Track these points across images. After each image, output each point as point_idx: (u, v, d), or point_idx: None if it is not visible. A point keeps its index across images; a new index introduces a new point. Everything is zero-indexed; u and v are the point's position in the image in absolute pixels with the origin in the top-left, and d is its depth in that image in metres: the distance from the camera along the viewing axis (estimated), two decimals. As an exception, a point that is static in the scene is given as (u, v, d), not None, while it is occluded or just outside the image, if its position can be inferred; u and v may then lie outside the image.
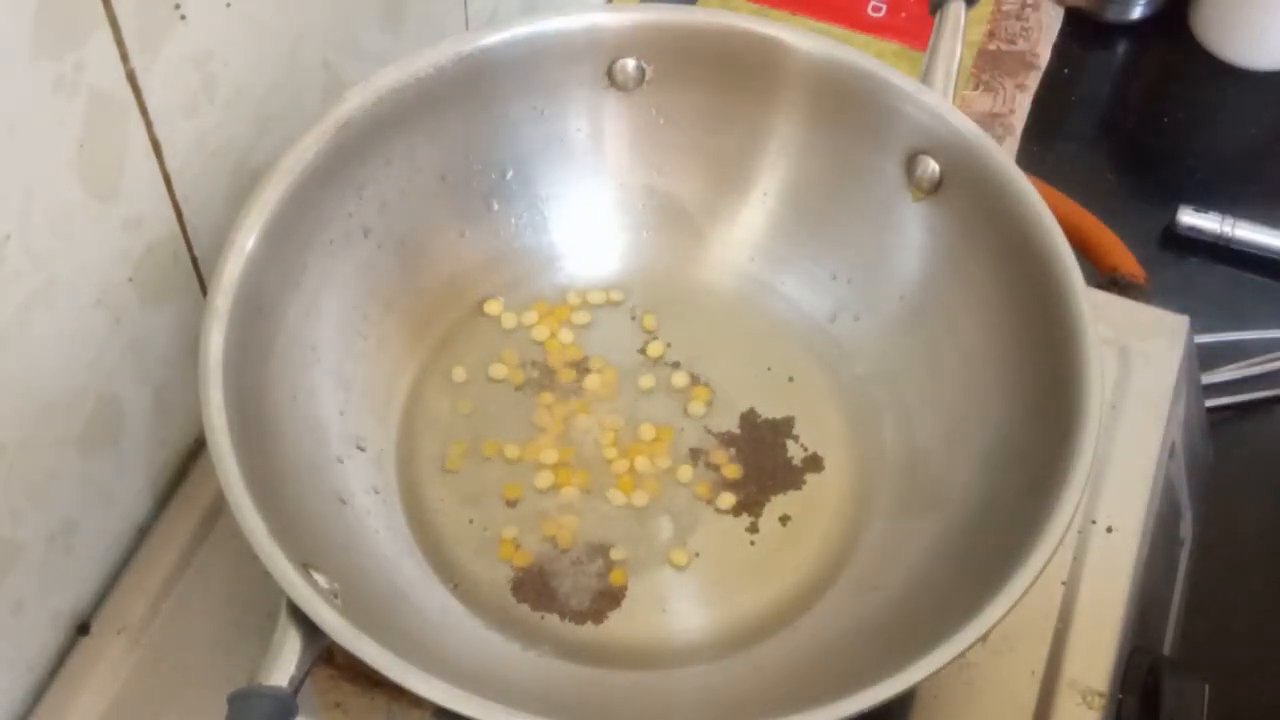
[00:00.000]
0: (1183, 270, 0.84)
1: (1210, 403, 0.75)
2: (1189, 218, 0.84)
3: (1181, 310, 0.66)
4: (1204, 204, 0.85)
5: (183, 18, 0.48)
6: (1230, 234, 0.84)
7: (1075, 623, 0.55)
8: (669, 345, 0.60)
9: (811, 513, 0.55)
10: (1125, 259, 0.76)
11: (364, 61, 0.61)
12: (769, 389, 0.59)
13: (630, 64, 0.59)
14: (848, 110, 0.58)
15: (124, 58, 0.46)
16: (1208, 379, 0.76)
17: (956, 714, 0.52)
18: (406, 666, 0.41)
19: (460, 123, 0.58)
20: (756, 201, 0.61)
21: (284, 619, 0.43)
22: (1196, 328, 0.65)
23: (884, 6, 0.88)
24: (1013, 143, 0.83)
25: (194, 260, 0.55)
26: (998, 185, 0.53)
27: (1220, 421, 0.76)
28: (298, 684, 0.42)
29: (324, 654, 0.43)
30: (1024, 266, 0.52)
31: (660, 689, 0.51)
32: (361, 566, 0.50)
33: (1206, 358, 0.77)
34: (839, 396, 0.58)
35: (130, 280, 0.51)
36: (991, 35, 0.88)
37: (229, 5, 0.51)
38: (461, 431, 0.57)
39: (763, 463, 0.57)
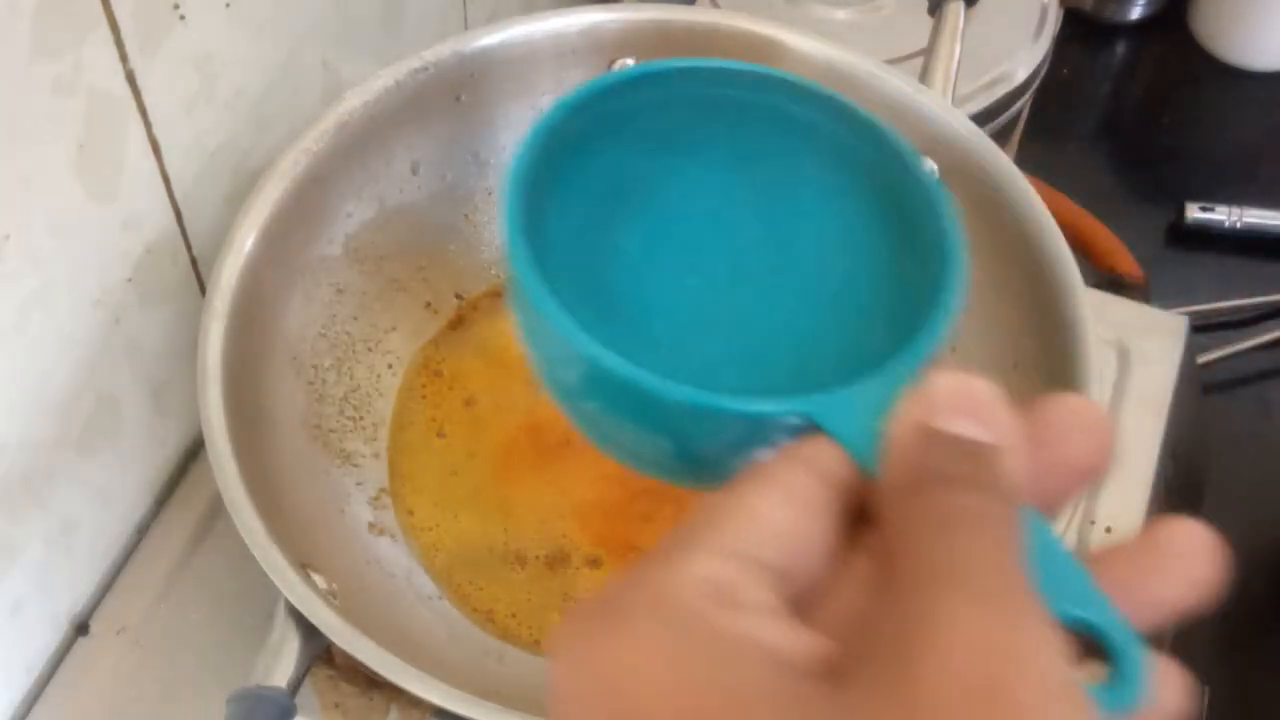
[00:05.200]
0: (1183, 270, 0.84)
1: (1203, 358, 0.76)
2: (1196, 213, 0.85)
3: (1181, 311, 0.66)
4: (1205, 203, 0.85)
5: (182, 18, 0.48)
6: (1236, 227, 0.84)
7: (1075, 623, 0.55)
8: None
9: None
10: (1124, 259, 0.76)
11: (364, 61, 0.61)
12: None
13: (630, 64, 0.59)
14: (847, 110, 0.57)
15: (123, 58, 0.46)
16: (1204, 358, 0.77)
17: (956, 714, 0.52)
18: (405, 667, 0.41)
19: (460, 123, 0.58)
20: (756, 201, 0.61)
21: (282, 619, 0.43)
22: (1196, 322, 0.66)
23: None
24: (1012, 143, 0.83)
25: (193, 260, 0.55)
26: (997, 185, 0.53)
27: (1220, 421, 0.76)
28: (296, 685, 0.42)
29: (322, 654, 0.43)
30: (1024, 266, 0.52)
31: (659, 689, 0.51)
32: (360, 567, 0.50)
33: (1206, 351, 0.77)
34: (838, 397, 0.58)
35: (129, 280, 0.51)
36: (991, 35, 0.88)
37: (228, 5, 0.51)
38: (461, 432, 0.57)
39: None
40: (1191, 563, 0.24)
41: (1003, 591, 0.21)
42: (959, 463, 0.23)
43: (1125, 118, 0.95)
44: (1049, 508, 0.24)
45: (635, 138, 0.30)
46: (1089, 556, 0.23)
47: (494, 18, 0.73)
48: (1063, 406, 0.24)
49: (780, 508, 0.23)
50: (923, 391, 0.23)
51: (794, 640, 0.22)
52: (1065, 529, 0.45)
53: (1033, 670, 0.20)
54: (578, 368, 0.25)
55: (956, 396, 0.23)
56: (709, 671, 0.21)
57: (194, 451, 0.59)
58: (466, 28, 0.71)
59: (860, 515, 0.24)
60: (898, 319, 0.26)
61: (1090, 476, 0.24)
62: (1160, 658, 0.22)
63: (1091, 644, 0.22)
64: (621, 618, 0.22)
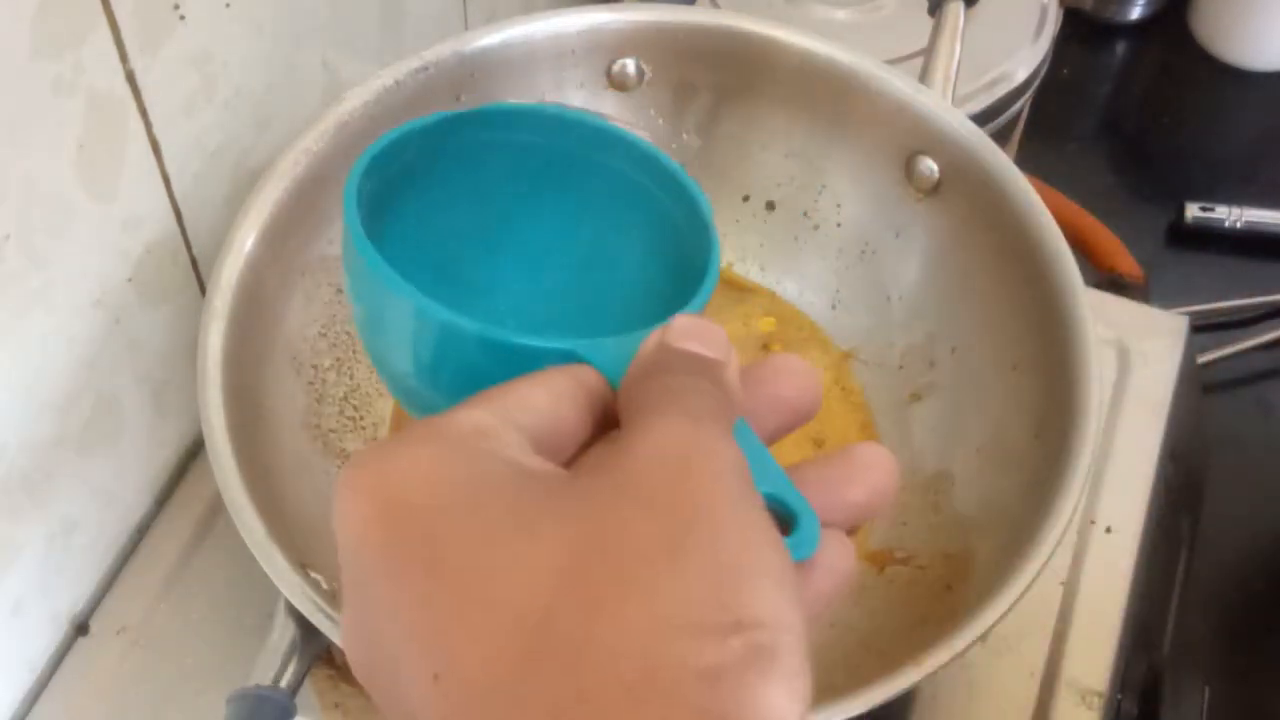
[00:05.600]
0: (1183, 270, 0.84)
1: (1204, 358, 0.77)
2: (1196, 213, 0.85)
3: (1181, 311, 0.66)
4: (1205, 203, 0.85)
5: (182, 18, 0.48)
6: (1236, 227, 0.84)
7: (1075, 623, 0.55)
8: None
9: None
10: (1124, 259, 0.76)
11: (363, 61, 0.61)
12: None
13: (630, 64, 0.59)
14: (847, 111, 0.58)
15: (123, 58, 0.46)
16: (1204, 358, 0.77)
17: (956, 714, 0.52)
18: (405, 667, 0.41)
19: (459, 123, 0.58)
20: (755, 202, 0.61)
21: (282, 619, 0.43)
22: (1196, 322, 0.66)
23: None
24: (1013, 143, 0.83)
25: (193, 260, 0.55)
26: (997, 185, 0.53)
27: (1220, 421, 0.76)
28: (296, 685, 0.42)
29: (322, 654, 0.44)
30: (1024, 266, 0.52)
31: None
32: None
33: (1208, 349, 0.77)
34: (835, 397, 0.58)
35: (129, 280, 0.51)
36: (991, 35, 0.88)
37: (228, 5, 0.51)
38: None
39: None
40: (874, 473, 0.30)
41: (706, 418, 0.27)
42: (685, 363, 0.29)
43: (1125, 118, 0.95)
44: (766, 434, 0.30)
45: (458, 175, 0.37)
46: (793, 468, 0.29)
47: (494, 18, 0.73)
48: (779, 359, 0.31)
49: (539, 393, 0.29)
50: (664, 327, 0.30)
51: (535, 461, 0.27)
52: (1065, 529, 0.45)
53: (722, 460, 0.26)
54: (409, 324, 0.31)
55: (689, 329, 0.29)
56: (461, 467, 0.26)
57: (194, 451, 0.59)
58: (466, 28, 0.71)
59: (610, 423, 0.29)
60: (669, 304, 0.32)
61: (799, 411, 0.31)
62: (832, 530, 0.28)
63: (781, 518, 0.28)
64: (402, 442, 0.27)
